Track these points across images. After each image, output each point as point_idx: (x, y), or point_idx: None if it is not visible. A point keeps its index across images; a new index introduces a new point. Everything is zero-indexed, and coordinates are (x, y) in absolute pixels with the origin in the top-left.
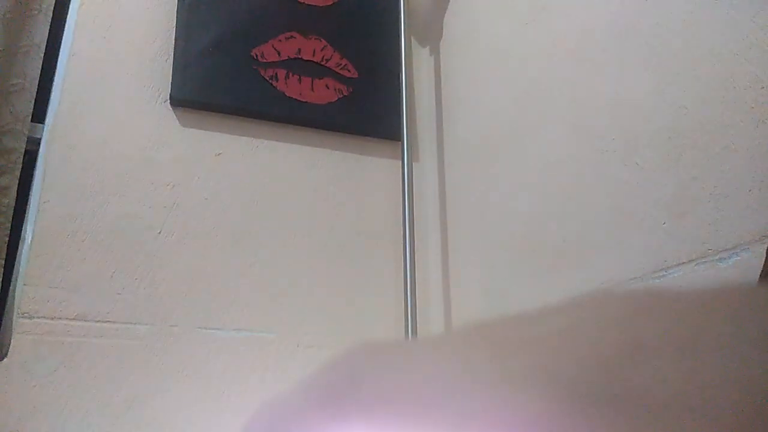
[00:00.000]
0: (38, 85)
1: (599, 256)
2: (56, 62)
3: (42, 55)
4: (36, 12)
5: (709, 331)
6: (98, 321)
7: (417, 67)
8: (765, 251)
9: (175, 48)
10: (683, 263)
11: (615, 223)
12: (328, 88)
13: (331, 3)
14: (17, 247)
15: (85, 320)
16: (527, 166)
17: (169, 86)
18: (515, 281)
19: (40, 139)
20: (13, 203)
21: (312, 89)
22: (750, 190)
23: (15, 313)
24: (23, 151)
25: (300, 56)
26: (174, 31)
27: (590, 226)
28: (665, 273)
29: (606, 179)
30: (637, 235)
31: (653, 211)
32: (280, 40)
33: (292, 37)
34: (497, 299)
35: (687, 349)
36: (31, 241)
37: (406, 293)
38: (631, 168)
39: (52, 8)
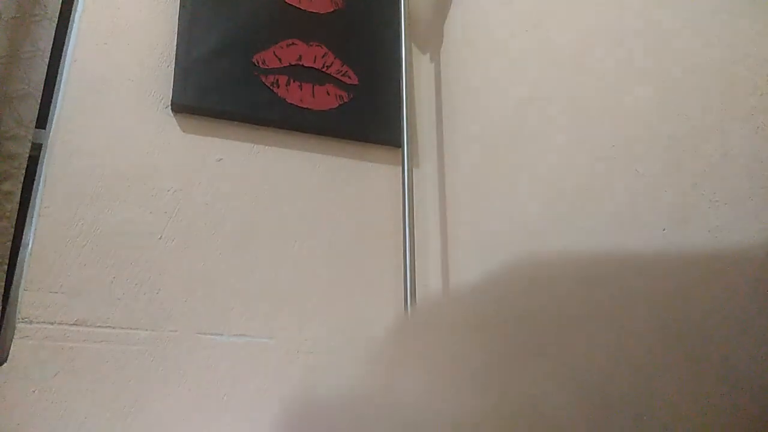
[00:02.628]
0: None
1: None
2: (59, 68)
3: (47, 60)
4: (40, 18)
5: None
6: (98, 326)
7: (417, 73)
8: (765, 257)
9: (176, 54)
10: None
11: (615, 230)
12: (328, 94)
13: (332, 10)
14: (18, 252)
15: (85, 325)
16: (527, 173)
17: (171, 92)
18: None
19: (41, 144)
20: (17, 208)
21: (313, 95)
22: (750, 198)
23: (15, 318)
24: (27, 156)
25: (301, 63)
26: (175, 38)
27: (590, 233)
28: None
29: (606, 186)
30: (637, 242)
31: (653, 217)
32: (281, 47)
33: (293, 43)
34: None
35: None
36: (31, 246)
37: (406, 299)
38: (631, 175)
39: (57, 14)
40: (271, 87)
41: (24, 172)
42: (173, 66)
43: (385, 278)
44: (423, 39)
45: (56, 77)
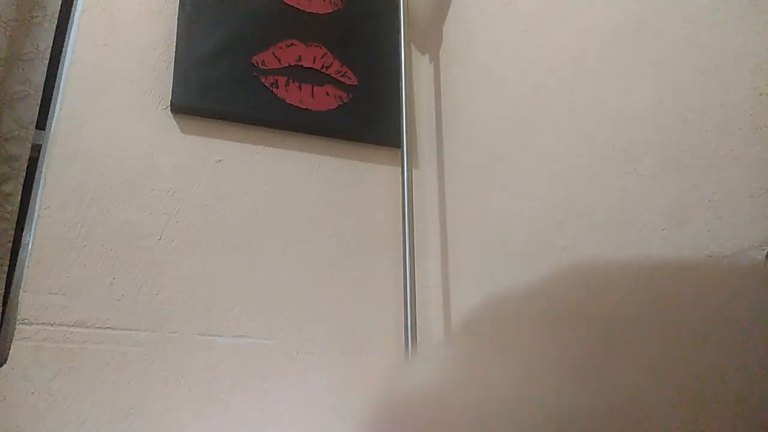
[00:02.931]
0: None
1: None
2: (58, 69)
3: (47, 62)
4: (40, 19)
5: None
6: (98, 327)
7: (417, 74)
8: (765, 258)
9: (175, 55)
10: None
11: (614, 231)
12: (328, 95)
13: (331, 11)
14: (17, 253)
15: (84, 327)
16: (527, 174)
17: (170, 93)
18: None
19: (41, 145)
20: (17, 210)
21: (312, 96)
22: (749, 197)
23: (15, 319)
24: (27, 157)
25: (300, 63)
26: (175, 38)
27: (590, 233)
28: None
29: (606, 186)
30: (637, 242)
31: (652, 218)
32: (280, 48)
33: (292, 44)
34: None
35: None
36: (31, 247)
37: (405, 300)
38: (630, 175)
39: (57, 15)
40: (270, 88)
41: (24, 173)
42: (173, 66)
43: (385, 279)
44: (422, 40)
45: (56, 78)
